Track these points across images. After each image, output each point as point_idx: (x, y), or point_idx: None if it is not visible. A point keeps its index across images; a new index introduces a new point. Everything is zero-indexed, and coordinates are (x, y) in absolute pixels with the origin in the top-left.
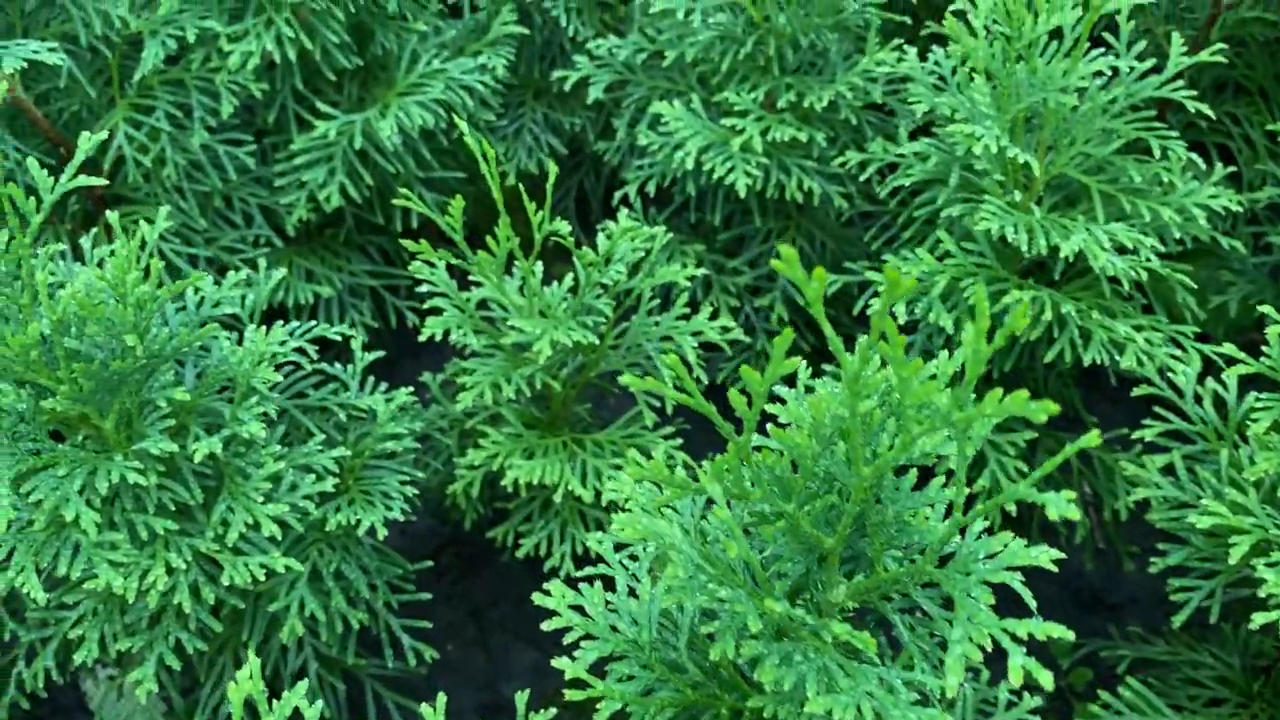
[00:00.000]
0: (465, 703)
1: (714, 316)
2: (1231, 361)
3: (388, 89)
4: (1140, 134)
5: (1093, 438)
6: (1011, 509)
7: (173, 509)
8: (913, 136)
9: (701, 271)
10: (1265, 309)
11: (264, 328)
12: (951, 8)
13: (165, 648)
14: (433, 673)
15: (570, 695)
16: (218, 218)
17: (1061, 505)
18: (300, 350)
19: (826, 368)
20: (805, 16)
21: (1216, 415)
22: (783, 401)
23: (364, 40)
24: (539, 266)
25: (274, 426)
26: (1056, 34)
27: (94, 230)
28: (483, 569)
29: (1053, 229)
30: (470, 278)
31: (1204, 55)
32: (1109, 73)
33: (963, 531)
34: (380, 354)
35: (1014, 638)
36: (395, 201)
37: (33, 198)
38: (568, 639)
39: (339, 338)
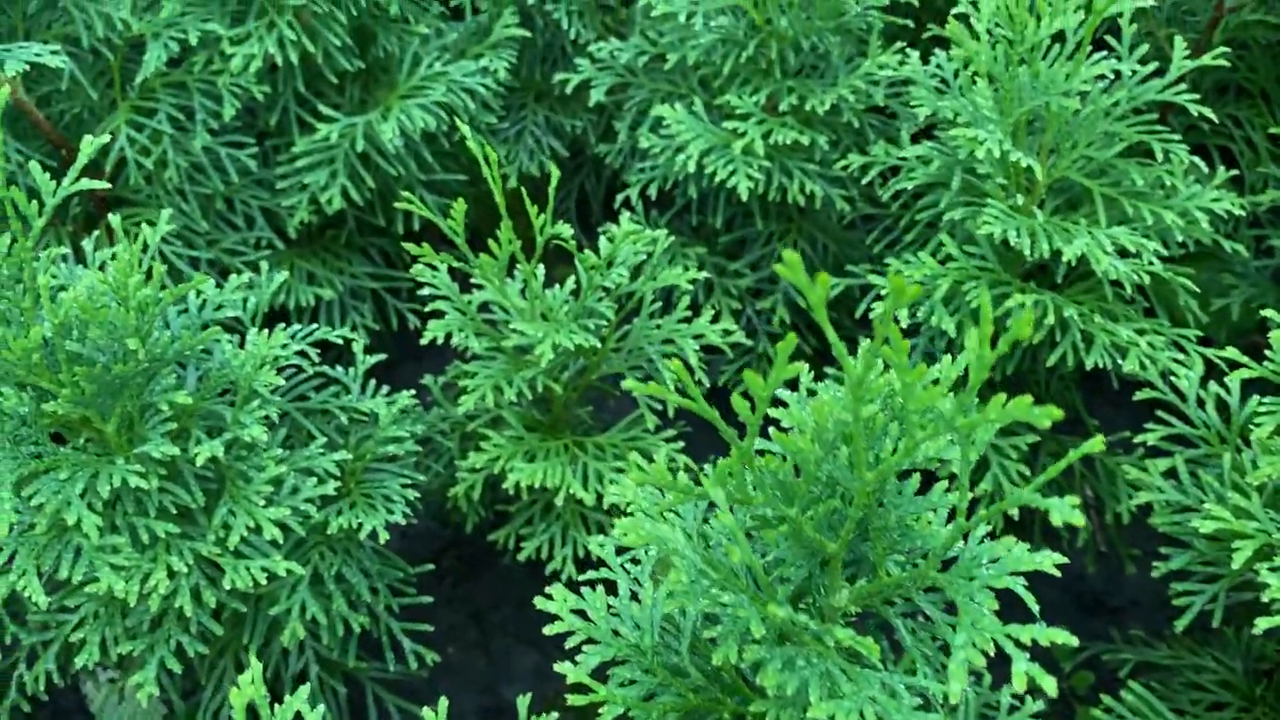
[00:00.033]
0: (466, 706)
1: (716, 319)
2: (1234, 365)
3: (389, 91)
4: (1142, 137)
5: (1096, 443)
6: (1014, 513)
7: (174, 512)
8: (915, 140)
9: (703, 274)
10: (1268, 312)
11: (266, 331)
12: (954, 11)
13: (166, 651)
14: (434, 676)
15: (573, 700)
16: (219, 220)
17: (1065, 511)
18: (302, 353)
19: (828, 370)
20: (807, 19)
21: (1219, 419)
22: (785, 405)
23: (366, 43)
24: (540, 269)
25: (275, 429)
26: (1059, 37)
27: (95, 233)
28: (484, 572)
29: (1055, 232)
30: (472, 280)
31: (1206, 59)
32: (1111, 76)
33: (966, 536)
34: (382, 357)
35: (1017, 643)
36: (397, 204)
37: (35, 201)
38: (570, 643)
39: (340, 341)
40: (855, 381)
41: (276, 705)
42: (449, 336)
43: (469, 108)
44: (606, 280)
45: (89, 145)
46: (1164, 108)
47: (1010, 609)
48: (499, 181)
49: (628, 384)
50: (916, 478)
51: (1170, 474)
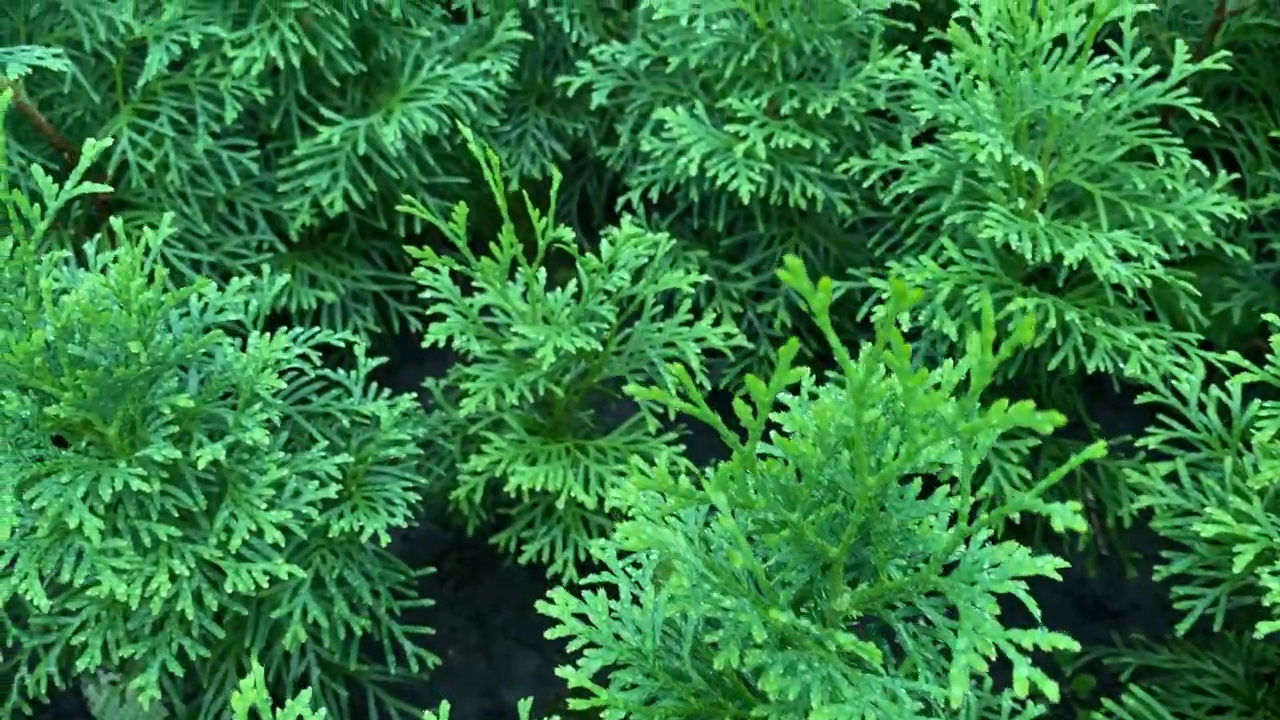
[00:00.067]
0: (468, 709)
1: (717, 322)
2: (1235, 369)
3: (391, 94)
4: (1144, 141)
5: (1098, 448)
6: (1015, 516)
7: (176, 515)
8: (916, 143)
9: (704, 278)
10: (1269, 316)
11: (267, 334)
12: (955, 15)
13: (168, 654)
14: (435, 679)
15: (574, 704)
16: (221, 223)
17: (1068, 517)
18: (304, 356)
19: (829, 374)
20: (809, 23)
21: (1220, 423)
22: (787, 409)
23: (367, 46)
24: (542, 272)
25: (277, 433)
26: (1060, 41)
27: (97, 236)
28: (485, 575)
29: (1057, 236)
30: (473, 283)
31: (1208, 63)
32: (1112, 80)
33: (967, 540)
34: (383, 360)
35: (1019, 648)
36: (399, 207)
37: (37, 204)
38: (571, 646)
39: (342, 344)
40: (857, 387)
41: (278, 709)
42: (450, 339)
43: (471, 111)
44: (608, 283)
45: (91, 149)
46: (1165, 111)
47: (1012, 612)
48: (501, 185)
49: (630, 389)
50: (918, 482)
51: (1171, 478)
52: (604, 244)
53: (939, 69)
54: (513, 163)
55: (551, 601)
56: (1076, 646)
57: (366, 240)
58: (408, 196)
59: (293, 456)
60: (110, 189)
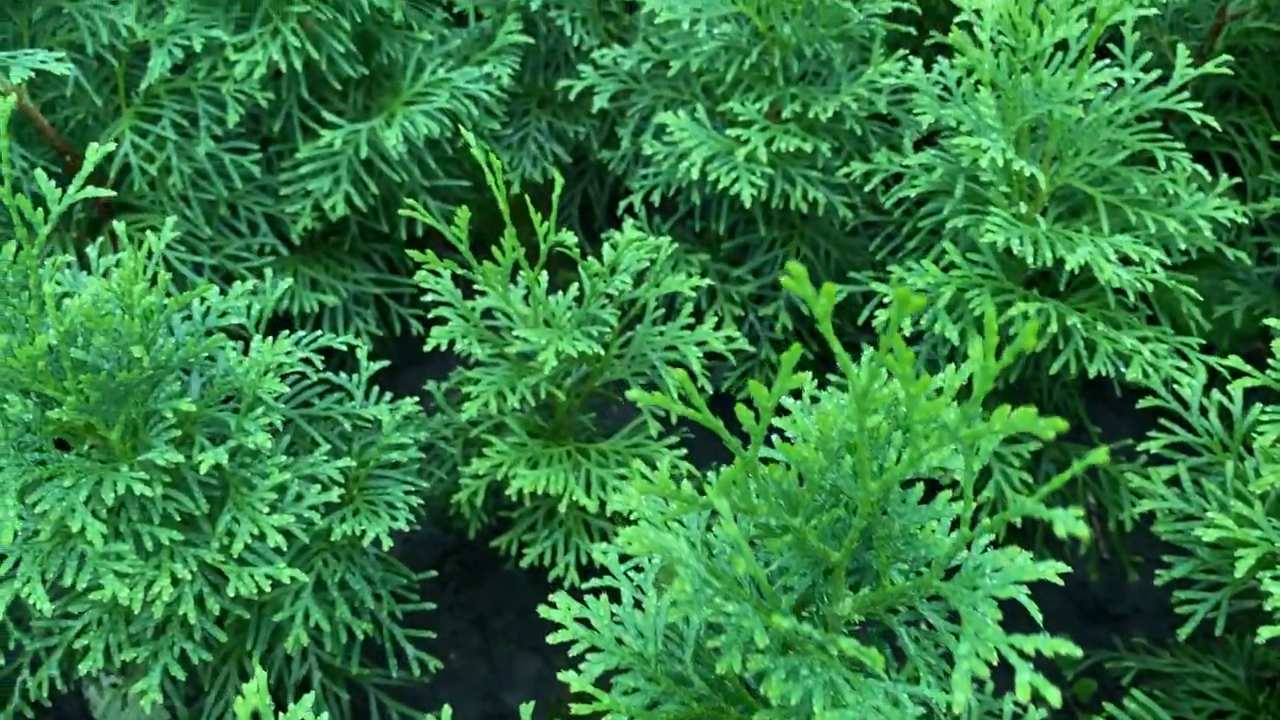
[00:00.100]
0: (469, 712)
1: (718, 326)
2: (1237, 373)
3: (393, 98)
4: (1145, 145)
5: (1101, 454)
6: (1016, 520)
7: (178, 519)
8: (917, 147)
9: (706, 281)
10: (1270, 320)
11: (270, 337)
12: (957, 19)
13: (170, 658)
14: (436, 682)
15: (576, 709)
16: (223, 226)
17: (1070, 523)
18: (306, 360)
19: (831, 377)
20: (810, 27)
21: (1222, 427)
22: (789, 414)
23: (369, 49)
24: (544, 276)
25: (279, 436)
26: (1062, 45)
27: (100, 239)
28: (486, 578)
29: (1058, 241)
30: (475, 287)
31: (1209, 67)
32: (1114, 84)
33: (969, 545)
34: (385, 363)
35: (1021, 653)
36: (400, 210)
37: (40, 208)
38: (573, 650)
39: (344, 347)
40: (860, 392)
41: (280, 712)
42: (452, 343)
43: (472, 114)
44: (610, 287)
45: (94, 152)
46: (1166, 115)
47: (1013, 616)
48: (503, 188)
49: (632, 394)
50: (920, 487)
51: (1173, 482)
52: (606, 248)
53: (940, 73)
54: (514, 166)
55: (553, 605)
56: (1079, 652)
57: (368, 243)
58: (409, 200)
59: (295, 460)
60: (113, 192)
